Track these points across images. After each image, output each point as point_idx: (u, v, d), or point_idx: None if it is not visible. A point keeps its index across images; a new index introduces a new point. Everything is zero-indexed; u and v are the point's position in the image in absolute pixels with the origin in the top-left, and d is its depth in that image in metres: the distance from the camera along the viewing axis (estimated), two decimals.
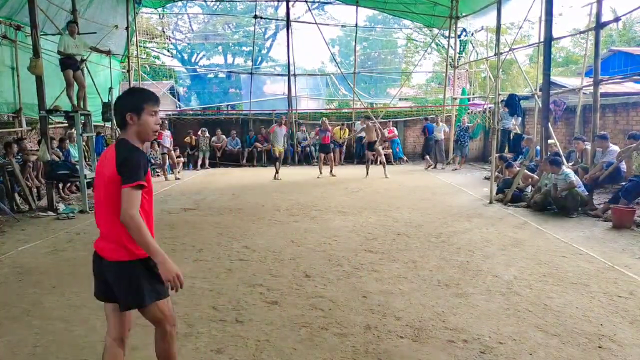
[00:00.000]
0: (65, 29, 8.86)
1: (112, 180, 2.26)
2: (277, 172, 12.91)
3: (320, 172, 13.23)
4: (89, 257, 5.59)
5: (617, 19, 10.29)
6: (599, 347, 3.23)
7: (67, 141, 10.58)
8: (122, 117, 2.36)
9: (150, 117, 2.39)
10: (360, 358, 3.13)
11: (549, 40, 8.99)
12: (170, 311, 2.50)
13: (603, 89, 9.98)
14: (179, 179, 13.27)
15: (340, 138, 16.86)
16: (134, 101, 2.38)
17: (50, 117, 9.25)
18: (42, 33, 9.00)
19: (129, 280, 2.33)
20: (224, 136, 17.02)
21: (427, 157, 15.82)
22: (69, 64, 8.60)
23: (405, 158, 17.75)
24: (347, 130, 17.17)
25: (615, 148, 8.30)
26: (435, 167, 15.31)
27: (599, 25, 8.26)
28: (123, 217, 2.18)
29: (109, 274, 2.36)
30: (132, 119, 2.35)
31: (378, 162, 13.87)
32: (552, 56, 9.65)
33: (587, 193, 7.75)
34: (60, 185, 9.89)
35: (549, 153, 8.98)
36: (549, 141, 9.26)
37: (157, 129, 2.45)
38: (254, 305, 4.03)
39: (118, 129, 2.44)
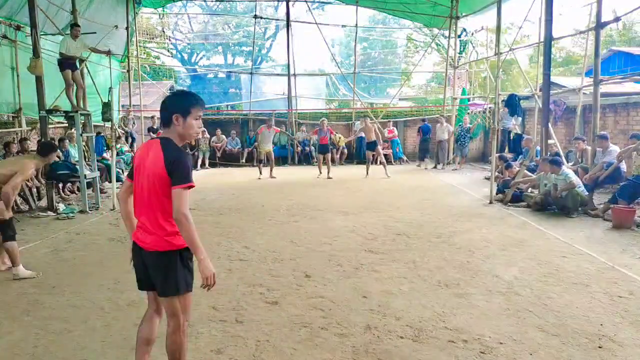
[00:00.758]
0: (67, 31, 8.85)
1: (160, 177, 2.41)
2: (260, 172, 12.98)
3: (320, 172, 13.23)
4: (89, 257, 5.60)
5: (617, 19, 10.27)
6: (600, 347, 3.23)
7: (67, 141, 10.57)
8: (169, 117, 2.51)
9: (194, 121, 2.53)
10: (361, 358, 3.13)
11: (549, 40, 9.00)
12: (190, 306, 2.64)
13: (603, 89, 9.97)
14: None
15: (338, 143, 16.86)
16: (183, 103, 2.52)
17: (50, 117, 9.24)
18: (42, 33, 9.00)
19: (166, 269, 2.50)
20: (224, 136, 17.02)
21: (426, 159, 15.88)
22: (67, 64, 8.61)
23: (405, 158, 17.73)
24: (341, 137, 17.07)
25: (615, 148, 8.31)
26: (435, 167, 15.31)
27: (599, 25, 8.27)
28: (177, 216, 2.34)
29: (148, 262, 2.53)
30: (177, 120, 2.49)
31: (378, 162, 13.86)
32: (552, 56, 9.66)
33: (587, 193, 7.75)
34: (61, 186, 9.89)
35: (549, 153, 8.98)
36: (549, 141, 9.27)
37: (199, 132, 2.63)
38: (254, 306, 4.03)
39: (161, 127, 2.54)
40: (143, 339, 2.70)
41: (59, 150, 10.02)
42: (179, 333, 2.58)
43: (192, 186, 2.42)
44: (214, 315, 3.82)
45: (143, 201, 2.50)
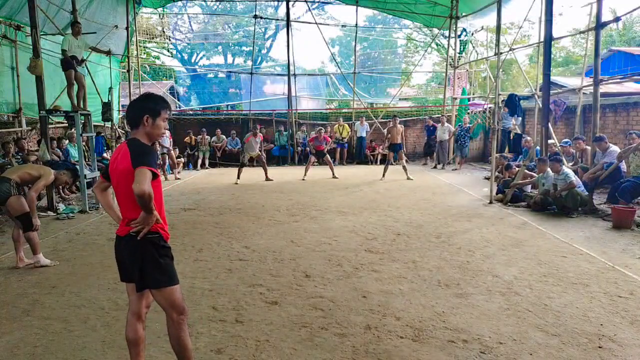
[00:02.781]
0: (67, 30, 8.85)
1: (129, 173, 2.50)
2: (238, 177, 12.34)
3: (305, 175, 12.74)
4: (88, 258, 5.61)
5: (617, 19, 10.27)
6: (599, 347, 3.23)
7: (66, 141, 10.57)
8: (138, 118, 2.64)
9: (162, 122, 2.70)
10: (360, 358, 3.13)
11: (549, 40, 8.99)
12: (179, 299, 2.69)
13: (603, 89, 9.97)
14: (178, 179, 13.27)
15: (342, 135, 16.85)
16: (154, 106, 2.67)
17: (50, 117, 9.24)
18: (42, 33, 9.00)
19: (147, 255, 2.59)
20: (223, 136, 17.02)
21: (428, 157, 15.97)
22: (72, 64, 8.61)
23: (405, 158, 17.74)
24: (346, 126, 17.14)
25: (615, 148, 8.31)
26: (435, 167, 15.31)
27: (599, 25, 8.26)
28: (138, 189, 2.39)
29: (125, 253, 2.63)
30: (147, 121, 2.64)
31: (390, 163, 13.45)
32: (552, 56, 9.65)
33: (587, 193, 7.75)
34: (60, 186, 9.88)
35: (549, 153, 8.98)
36: (549, 141, 9.27)
37: (164, 132, 2.79)
38: (253, 306, 4.03)
39: (128, 127, 2.66)
40: (131, 341, 2.79)
41: (58, 150, 10.06)
42: (175, 326, 2.68)
43: (155, 172, 2.53)
44: (213, 315, 3.82)
45: (120, 198, 2.64)
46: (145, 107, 2.65)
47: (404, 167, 12.56)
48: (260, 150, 12.97)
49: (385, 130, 14.77)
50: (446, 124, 15.50)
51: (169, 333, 2.71)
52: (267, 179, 12.61)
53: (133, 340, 2.76)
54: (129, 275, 2.68)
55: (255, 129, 13.35)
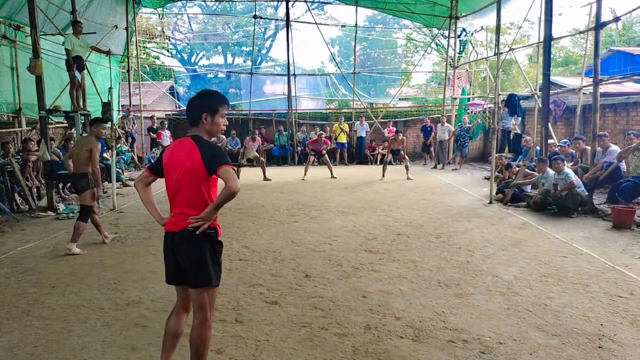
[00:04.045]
0: (67, 30, 8.85)
1: (197, 169, 2.55)
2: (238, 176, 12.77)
3: (305, 175, 12.76)
4: (88, 257, 5.60)
5: (616, 19, 10.28)
6: (599, 347, 3.23)
7: (71, 142, 10.55)
8: (197, 116, 2.63)
9: (221, 119, 2.68)
10: (360, 358, 3.13)
11: (548, 40, 8.99)
12: (214, 300, 2.75)
13: (603, 89, 9.98)
14: None
15: (338, 140, 16.86)
16: (212, 103, 2.66)
17: (50, 117, 9.24)
18: (41, 33, 9.00)
19: (200, 252, 2.61)
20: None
21: (427, 156, 16.29)
22: (75, 64, 8.62)
23: (408, 158, 17.75)
24: (346, 126, 17.16)
25: (615, 148, 8.31)
26: (435, 167, 15.32)
27: (599, 25, 8.27)
28: (235, 188, 2.47)
29: (179, 249, 2.62)
30: (206, 118, 2.63)
31: (389, 164, 13.65)
32: (551, 56, 9.66)
33: (587, 193, 7.76)
34: (60, 186, 9.88)
35: (549, 153, 8.99)
36: (549, 141, 9.27)
37: (224, 129, 2.76)
38: (253, 305, 4.03)
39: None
40: (171, 333, 2.80)
41: (58, 150, 10.05)
42: (207, 325, 2.68)
43: (233, 168, 2.58)
44: (214, 316, 3.82)
45: (179, 194, 2.61)
46: (203, 105, 2.65)
47: (406, 166, 12.64)
48: (258, 152, 13.03)
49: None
50: (446, 124, 15.50)
51: (195, 337, 2.65)
52: (266, 178, 12.63)
53: (174, 332, 2.78)
54: (180, 274, 2.67)
55: (254, 134, 13.43)
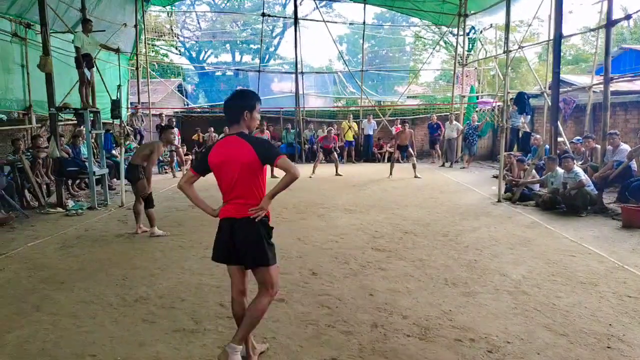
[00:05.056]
0: (77, 28, 8.91)
1: (253, 163, 2.84)
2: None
3: (313, 172, 12.85)
4: (97, 254, 5.65)
5: (628, 17, 10.14)
6: (608, 347, 3.20)
7: (79, 139, 10.64)
8: (238, 115, 2.92)
9: (257, 114, 2.98)
10: (367, 356, 3.13)
11: (558, 38, 8.92)
12: (278, 277, 3.03)
13: (613, 87, 9.87)
14: None
15: (345, 138, 16.86)
16: (250, 101, 2.96)
17: (60, 114, 9.31)
18: (51, 31, 9.06)
19: (258, 237, 2.89)
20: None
21: (434, 152, 16.42)
22: (85, 61, 8.67)
23: (415, 156, 17.70)
24: (354, 126, 17.18)
25: (625, 147, 8.23)
26: (443, 165, 15.26)
27: (610, 23, 8.18)
28: (297, 174, 2.83)
29: (239, 234, 2.89)
30: (247, 115, 2.92)
31: (397, 162, 13.55)
32: (561, 54, 9.58)
33: (596, 192, 7.69)
34: (70, 182, 9.96)
35: (558, 151, 8.92)
36: (559, 139, 9.19)
37: (257, 123, 3.03)
38: None
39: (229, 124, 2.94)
40: (239, 316, 3.04)
41: (67, 147, 10.13)
42: (266, 302, 2.98)
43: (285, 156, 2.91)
44: (221, 312, 3.84)
45: (237, 187, 2.88)
46: (244, 104, 2.93)
47: (413, 164, 12.55)
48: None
49: (394, 133, 14.85)
50: (454, 122, 15.43)
51: (256, 305, 2.93)
52: (273, 176, 12.75)
53: (240, 315, 3.01)
54: (232, 255, 2.93)
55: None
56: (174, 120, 15.32)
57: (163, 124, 9.57)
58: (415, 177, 12.29)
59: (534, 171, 8.92)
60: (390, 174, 12.45)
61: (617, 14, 9.38)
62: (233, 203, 2.91)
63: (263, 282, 2.94)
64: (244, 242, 2.88)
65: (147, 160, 6.33)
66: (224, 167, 2.89)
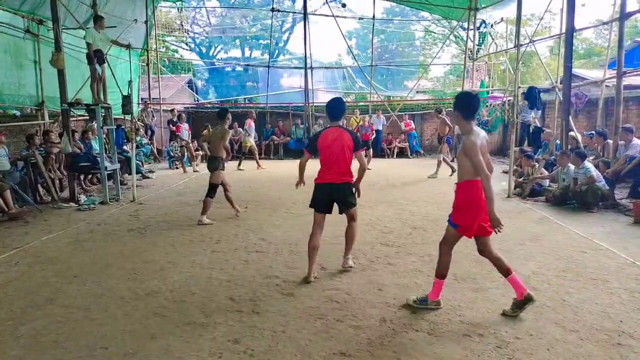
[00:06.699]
0: (88, 24, 8.97)
1: (349, 147, 4.44)
2: (239, 164, 13.95)
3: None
4: (109, 248, 5.72)
5: None
6: (619, 344, 3.18)
7: (90, 133, 10.74)
8: (342, 114, 4.63)
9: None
10: (376, 351, 3.14)
11: (570, 32, 8.81)
12: (357, 213, 4.75)
13: (627, 81, 9.73)
14: (197, 171, 13.39)
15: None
16: (345, 107, 4.68)
17: (72, 110, 9.41)
18: (63, 27, 9.14)
19: (350, 193, 4.57)
20: (240, 129, 17.09)
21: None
22: (96, 57, 8.74)
23: (422, 151, 17.64)
24: (362, 119, 17.11)
25: (638, 142, 8.13)
26: (453, 160, 15.16)
27: (624, 16, 8.07)
28: (366, 167, 4.77)
29: (338, 192, 4.52)
30: (343, 116, 4.69)
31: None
32: (573, 48, 9.46)
33: (608, 188, 7.60)
34: (82, 177, 10.07)
35: (569, 147, 8.83)
36: (570, 133, 9.09)
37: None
38: (270, 297, 4.07)
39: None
40: (315, 247, 4.51)
41: (80, 143, 10.24)
42: (356, 226, 4.74)
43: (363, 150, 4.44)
44: (231, 306, 3.87)
45: (337, 161, 4.42)
46: (343, 109, 4.63)
47: (439, 161, 11.68)
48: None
49: (403, 129, 14.66)
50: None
51: (352, 229, 4.70)
52: (259, 167, 13.83)
53: (315, 246, 4.47)
54: (328, 207, 4.58)
55: (252, 113, 14.54)
56: (184, 115, 15.38)
57: (174, 118, 11.20)
58: (432, 176, 11.49)
59: (542, 168, 8.84)
60: (452, 170, 11.20)
61: (631, 7, 9.22)
62: (334, 173, 4.41)
63: (352, 216, 4.62)
64: (343, 196, 4.49)
65: (223, 147, 6.90)
66: (331, 148, 4.39)
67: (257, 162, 14.03)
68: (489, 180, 3.41)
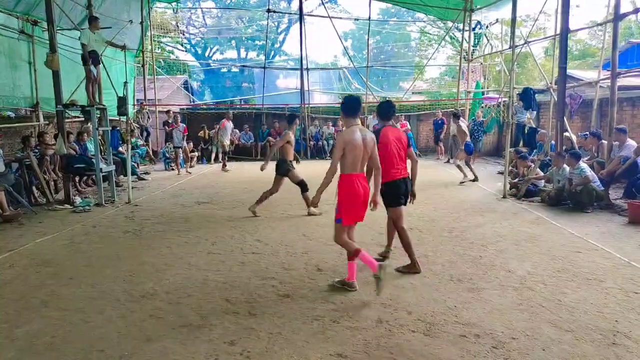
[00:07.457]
0: (83, 25, 8.94)
1: (405, 145, 4.76)
2: (224, 165, 14.02)
3: None
4: (104, 250, 5.69)
5: (636, 11, 10.04)
6: (614, 343, 3.20)
7: (85, 135, 10.70)
8: (392, 115, 4.93)
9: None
10: (372, 352, 3.15)
11: (565, 33, 8.85)
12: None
13: (621, 82, 9.78)
14: (189, 172, 13.34)
15: None
16: (395, 108, 5.04)
17: (67, 111, 9.37)
18: (58, 28, 9.10)
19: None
20: (237, 130, 17.08)
21: (437, 147, 16.68)
22: (91, 58, 8.71)
23: (418, 152, 17.68)
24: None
25: (632, 142, 8.17)
26: (448, 161, 15.21)
27: (618, 17, 8.11)
28: (415, 158, 5.02)
29: (407, 186, 4.83)
30: (393, 115, 5.00)
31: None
32: (568, 49, 9.51)
33: (602, 188, 7.64)
34: (77, 179, 10.03)
35: (564, 148, 8.87)
36: (565, 134, 9.14)
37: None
38: (266, 298, 4.07)
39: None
40: (409, 244, 4.78)
41: (75, 144, 10.20)
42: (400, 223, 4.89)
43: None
44: (227, 308, 3.87)
45: (399, 157, 4.71)
46: (393, 109, 4.93)
47: (457, 166, 11.18)
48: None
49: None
50: (461, 118, 15.35)
51: (396, 227, 4.90)
52: (225, 169, 13.82)
53: (393, 234, 5.11)
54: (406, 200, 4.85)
55: (229, 114, 14.48)
56: (179, 116, 15.34)
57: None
58: (461, 182, 10.66)
59: (537, 169, 8.87)
60: (475, 176, 10.82)
61: (625, 8, 9.27)
62: (402, 168, 4.72)
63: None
64: (406, 192, 4.82)
65: (288, 149, 7.30)
66: (390, 144, 4.67)
67: (224, 163, 14.19)
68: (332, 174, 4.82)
